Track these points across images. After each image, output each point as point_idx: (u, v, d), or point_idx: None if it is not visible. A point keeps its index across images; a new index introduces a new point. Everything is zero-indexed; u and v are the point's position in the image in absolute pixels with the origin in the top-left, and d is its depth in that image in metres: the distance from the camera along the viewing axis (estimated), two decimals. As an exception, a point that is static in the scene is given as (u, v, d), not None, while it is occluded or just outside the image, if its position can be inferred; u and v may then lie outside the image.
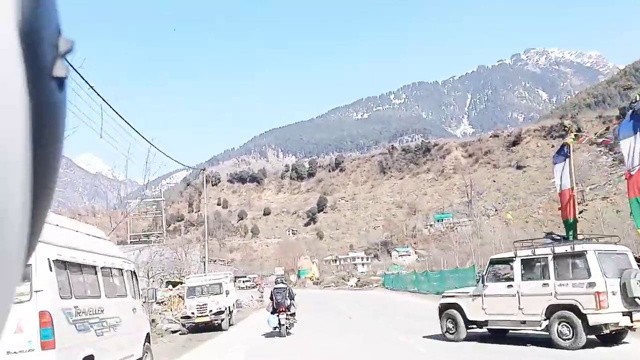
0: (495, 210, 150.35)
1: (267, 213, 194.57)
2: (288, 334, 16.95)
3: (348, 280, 51.95)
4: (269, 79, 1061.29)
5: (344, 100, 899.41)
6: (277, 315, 16.70)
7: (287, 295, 17.31)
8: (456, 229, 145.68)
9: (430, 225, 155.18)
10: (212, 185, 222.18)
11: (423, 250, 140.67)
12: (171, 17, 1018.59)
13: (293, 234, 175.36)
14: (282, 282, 18.66)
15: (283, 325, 16.55)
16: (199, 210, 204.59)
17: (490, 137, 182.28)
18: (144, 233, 43.29)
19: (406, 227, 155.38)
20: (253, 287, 70.17)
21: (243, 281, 74.36)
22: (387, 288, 47.44)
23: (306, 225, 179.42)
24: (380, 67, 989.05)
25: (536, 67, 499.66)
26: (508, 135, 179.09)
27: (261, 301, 34.91)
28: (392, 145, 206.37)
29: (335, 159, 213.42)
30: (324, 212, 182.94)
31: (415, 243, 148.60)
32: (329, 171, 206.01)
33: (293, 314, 17.61)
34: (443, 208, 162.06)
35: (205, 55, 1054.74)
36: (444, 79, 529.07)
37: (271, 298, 17.74)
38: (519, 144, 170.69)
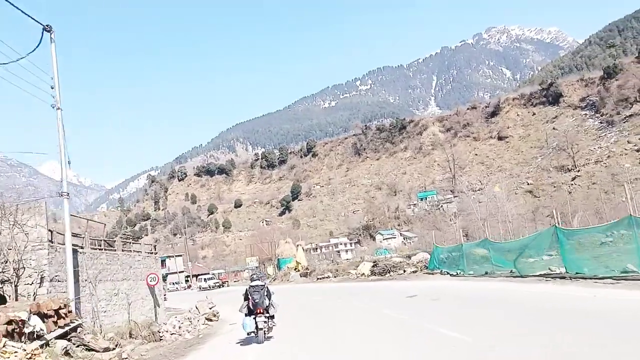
0: (481, 184, 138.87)
1: (238, 205, 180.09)
2: (267, 338, 12.77)
3: (357, 267, 37.18)
4: (232, 74, 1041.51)
5: (310, 89, 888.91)
6: (254, 318, 12.58)
7: (265, 294, 12.92)
8: (442, 206, 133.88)
9: (414, 204, 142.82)
10: (179, 181, 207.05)
11: (408, 231, 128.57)
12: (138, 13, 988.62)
13: (267, 224, 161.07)
14: (259, 279, 13.51)
15: (261, 329, 12.58)
16: (165, 208, 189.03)
17: (468, 109, 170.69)
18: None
19: (388, 209, 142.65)
20: (219, 286, 57.30)
21: (205, 279, 59.09)
22: (437, 272, 29.32)
23: (281, 214, 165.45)
24: (344, 54, 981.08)
25: (498, 45, 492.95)
26: (486, 106, 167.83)
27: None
28: (366, 125, 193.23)
29: (307, 143, 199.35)
30: (299, 200, 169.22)
31: (399, 225, 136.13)
32: (301, 157, 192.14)
33: (272, 317, 13.10)
34: (425, 186, 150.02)
35: (166, 54, 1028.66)
36: (409, 62, 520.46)
37: (246, 298, 13.10)
38: (498, 115, 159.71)
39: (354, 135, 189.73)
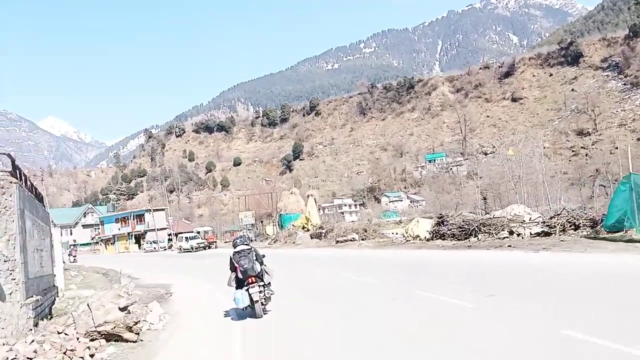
0: (493, 147, 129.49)
1: (237, 164, 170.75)
2: (265, 312, 9.84)
3: (406, 226, 27.13)
4: (235, 34, 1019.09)
5: (314, 51, 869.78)
6: (247, 289, 9.63)
7: (255, 257, 9.86)
8: (451, 169, 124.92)
9: (422, 166, 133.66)
10: (177, 137, 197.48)
11: (416, 194, 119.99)
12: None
13: (267, 183, 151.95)
14: (244, 243, 10.18)
15: (257, 301, 9.64)
16: (162, 165, 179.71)
17: (480, 69, 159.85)
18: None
19: (394, 171, 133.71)
20: (205, 248, 46.08)
21: (186, 238, 47.07)
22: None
23: (281, 174, 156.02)
24: (348, 16, 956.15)
25: (506, 10, 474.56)
26: (499, 67, 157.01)
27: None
28: (372, 84, 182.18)
29: (310, 102, 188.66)
30: (301, 160, 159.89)
31: (405, 187, 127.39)
32: (304, 115, 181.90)
33: (268, 285, 9.97)
34: (433, 148, 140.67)
35: (169, 12, 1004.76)
36: (414, 25, 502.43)
37: (233, 268, 10.03)
38: (512, 75, 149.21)
39: (359, 94, 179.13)
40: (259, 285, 9.57)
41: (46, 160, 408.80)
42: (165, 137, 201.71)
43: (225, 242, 56.43)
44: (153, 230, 65.05)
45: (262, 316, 9.52)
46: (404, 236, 25.69)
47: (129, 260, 42.31)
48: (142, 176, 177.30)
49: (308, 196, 44.39)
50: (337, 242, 27.87)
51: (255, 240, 46.06)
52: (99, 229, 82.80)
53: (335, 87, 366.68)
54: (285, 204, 49.32)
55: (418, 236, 24.22)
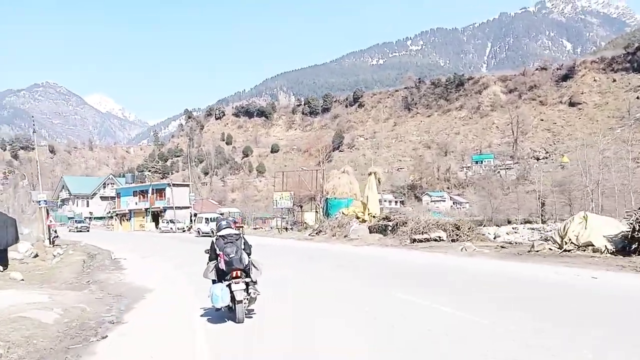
0: (546, 153, 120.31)
1: (275, 150, 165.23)
2: (248, 316, 7.63)
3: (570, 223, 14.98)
4: (281, 23, 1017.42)
5: (360, 45, 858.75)
6: (228, 285, 7.43)
7: (243, 247, 7.72)
8: (499, 172, 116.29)
9: (467, 167, 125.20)
10: (216, 119, 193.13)
11: (459, 196, 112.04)
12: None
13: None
14: (230, 226, 8.08)
15: (240, 301, 7.40)
16: (199, 146, 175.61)
17: (537, 70, 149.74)
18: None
19: (438, 169, 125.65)
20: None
21: (206, 220, 39.91)
22: None
23: (319, 164, 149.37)
24: (397, 12, 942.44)
25: (561, 15, 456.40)
26: (558, 68, 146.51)
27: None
28: (419, 79, 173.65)
29: (354, 93, 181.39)
30: (340, 151, 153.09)
31: (448, 188, 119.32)
32: (346, 107, 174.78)
33: (254, 282, 7.73)
34: (481, 149, 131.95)
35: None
36: (464, 25, 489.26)
37: (214, 256, 7.83)
38: (571, 78, 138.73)
39: (405, 88, 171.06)
40: (245, 282, 7.44)
41: (91, 134, 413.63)
42: (205, 119, 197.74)
43: (255, 229, 49.84)
44: (177, 208, 57.09)
45: (243, 320, 7.32)
46: (554, 242, 15.66)
47: (136, 240, 37.40)
48: (179, 156, 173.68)
49: (371, 174, 32.75)
50: (414, 240, 19.44)
51: (293, 229, 39.21)
52: (115, 201, 75.74)
53: (378, 82, 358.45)
54: (334, 186, 38.76)
55: (591, 245, 14.46)
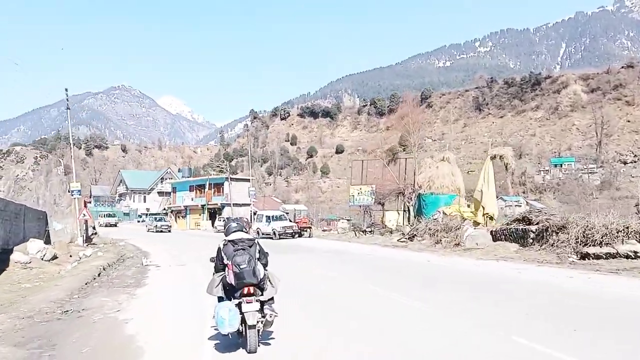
0: (635, 156, 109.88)
1: (339, 151, 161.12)
2: (263, 342, 6.09)
3: None
4: (348, 25, 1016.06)
5: (426, 47, 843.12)
6: (238, 304, 5.82)
7: (257, 255, 6.11)
8: (581, 177, 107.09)
9: (545, 170, 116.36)
10: (281, 120, 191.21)
11: (536, 201, 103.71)
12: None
13: (369, 176, 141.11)
14: (242, 229, 6.41)
15: (252, 326, 5.75)
16: (264, 146, 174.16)
17: (622, 68, 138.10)
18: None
19: (513, 173, 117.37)
20: (293, 235, 33.04)
21: (268, 218, 34.82)
22: None
23: (385, 166, 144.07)
24: (465, 13, 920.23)
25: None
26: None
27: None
28: (492, 78, 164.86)
29: (422, 93, 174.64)
30: (407, 153, 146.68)
31: (524, 192, 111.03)
32: (414, 107, 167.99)
33: (269, 300, 6.03)
34: (559, 152, 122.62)
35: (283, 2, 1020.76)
36: (536, 25, 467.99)
37: (220, 266, 6.11)
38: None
39: (476, 88, 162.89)
40: (259, 301, 5.80)
41: (162, 135, 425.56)
42: (270, 119, 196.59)
43: (324, 231, 44.54)
44: (235, 205, 51.79)
45: (256, 350, 5.70)
46: None
47: (185, 241, 33.48)
48: (243, 156, 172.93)
49: (495, 157, 26.12)
50: (586, 256, 12.61)
51: (373, 231, 32.09)
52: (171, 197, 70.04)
53: (445, 84, 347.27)
54: (430, 178, 30.31)
55: None
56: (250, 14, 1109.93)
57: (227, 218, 7.82)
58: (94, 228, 29.24)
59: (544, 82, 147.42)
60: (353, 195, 37.23)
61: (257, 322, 5.75)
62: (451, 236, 20.29)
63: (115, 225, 57.28)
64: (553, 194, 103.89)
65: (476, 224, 22.54)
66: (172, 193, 68.22)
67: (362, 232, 33.02)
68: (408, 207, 33.37)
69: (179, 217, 63.26)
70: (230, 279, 5.79)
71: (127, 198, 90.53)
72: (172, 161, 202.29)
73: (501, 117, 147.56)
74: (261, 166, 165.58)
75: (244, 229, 6.40)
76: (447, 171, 31.15)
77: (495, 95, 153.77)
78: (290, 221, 37.16)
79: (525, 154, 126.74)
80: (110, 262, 16.77)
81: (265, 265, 6.15)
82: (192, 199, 60.90)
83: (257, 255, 6.01)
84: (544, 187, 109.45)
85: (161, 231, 46.41)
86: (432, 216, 25.26)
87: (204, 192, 59.16)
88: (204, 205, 58.13)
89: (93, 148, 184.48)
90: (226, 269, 5.92)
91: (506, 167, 28.18)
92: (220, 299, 5.99)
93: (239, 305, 5.73)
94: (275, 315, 5.99)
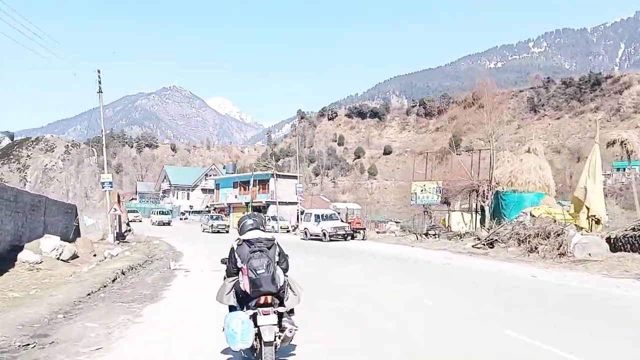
0: None
1: (387, 152, 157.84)
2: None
3: None
4: (396, 26, 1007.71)
5: (476, 48, 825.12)
6: (252, 316, 4.88)
7: (277, 258, 5.20)
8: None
9: (607, 175, 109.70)
10: (328, 120, 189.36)
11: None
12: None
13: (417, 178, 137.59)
14: (259, 227, 5.50)
15: (269, 342, 4.82)
16: (311, 146, 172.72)
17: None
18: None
19: (571, 177, 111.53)
20: (345, 237, 30.15)
21: (317, 217, 32.01)
22: None
23: (435, 168, 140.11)
24: (518, 13, 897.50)
25: None
26: None
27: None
28: (548, 78, 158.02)
29: (473, 94, 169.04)
30: (458, 154, 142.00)
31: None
32: (464, 108, 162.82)
33: (289, 312, 5.21)
34: (621, 155, 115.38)
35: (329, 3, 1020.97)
36: (594, 25, 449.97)
37: (233, 269, 5.24)
38: None
39: (531, 88, 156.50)
40: (277, 313, 4.96)
41: (210, 135, 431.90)
42: (317, 120, 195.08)
43: (378, 233, 40.60)
44: (281, 203, 48.67)
45: None
46: None
47: (228, 240, 29.73)
48: (291, 155, 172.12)
49: (614, 143, 23.62)
50: None
51: (437, 235, 28.46)
52: (214, 194, 66.55)
53: (497, 86, 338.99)
54: (512, 173, 26.33)
55: None
56: (298, 16, 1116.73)
57: (245, 216, 5.93)
58: (127, 224, 27.67)
59: (604, 83, 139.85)
60: (415, 193, 33.12)
61: (275, 337, 4.87)
62: (551, 244, 17.07)
63: (169, 224, 53.02)
64: (615, 199, 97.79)
65: (579, 228, 19.29)
66: (215, 190, 65.45)
67: (424, 235, 29.92)
68: (482, 208, 29.55)
69: (222, 214, 58.74)
70: (245, 286, 4.95)
71: (170, 194, 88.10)
72: (220, 160, 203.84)
73: (558, 118, 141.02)
74: (308, 166, 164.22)
75: (261, 227, 5.51)
76: (533, 165, 27.32)
77: (552, 96, 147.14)
78: (342, 221, 33.90)
79: (585, 157, 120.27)
80: (135, 264, 14.89)
81: (285, 270, 5.31)
82: (236, 196, 57.91)
83: (277, 258, 5.17)
84: (606, 192, 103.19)
85: (218, 231, 43.06)
86: (516, 218, 22.14)
87: (248, 189, 56.27)
88: (248, 203, 55.12)
89: (144, 147, 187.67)
90: (240, 273, 5.09)
91: (629, 155, 24.76)
92: (231, 309, 5.17)
93: (253, 317, 4.86)
94: (295, 329, 5.10)
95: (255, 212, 6.47)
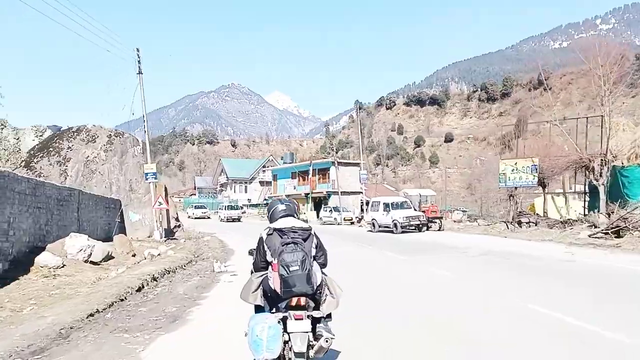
0: None
1: (449, 140, 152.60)
2: None
3: None
4: (453, 10, 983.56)
5: (539, 29, 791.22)
6: (281, 319, 4.07)
7: (313, 252, 4.34)
8: None
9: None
10: (387, 109, 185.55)
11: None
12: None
13: (482, 164, 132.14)
14: (293, 213, 4.63)
15: (301, 354, 4.00)
16: (370, 136, 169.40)
17: None
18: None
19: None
20: (420, 227, 26.89)
21: (387, 206, 28.49)
22: None
23: (499, 153, 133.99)
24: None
25: None
26: None
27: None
28: (622, 55, 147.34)
29: (539, 75, 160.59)
30: (524, 139, 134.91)
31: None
32: (529, 90, 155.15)
33: (326, 318, 4.32)
34: None
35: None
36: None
37: (261, 263, 4.41)
38: None
39: (602, 66, 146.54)
40: (311, 317, 4.19)
41: (269, 130, 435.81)
42: (375, 109, 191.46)
43: (455, 222, 35.65)
44: (343, 193, 44.62)
45: None
46: None
47: None
48: (349, 147, 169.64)
49: None
50: None
51: (531, 224, 24.81)
52: (272, 186, 62.83)
53: (562, 67, 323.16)
54: (636, 143, 22.38)
55: None
56: (352, 10, 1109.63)
57: (274, 201, 4.74)
58: (176, 219, 25.88)
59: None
60: (504, 174, 28.28)
61: (308, 347, 4.07)
62: None
63: (239, 220, 49.58)
64: None
65: None
66: (272, 181, 62.17)
67: (517, 224, 25.85)
68: (592, 188, 24.62)
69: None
70: (275, 284, 4.18)
71: (228, 188, 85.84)
72: (279, 155, 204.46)
73: (633, 96, 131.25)
74: (367, 157, 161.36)
75: (295, 214, 4.64)
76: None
77: (627, 73, 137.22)
78: (415, 209, 29.87)
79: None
80: (175, 266, 12.74)
81: (323, 266, 4.51)
82: (295, 187, 54.64)
83: (314, 252, 4.36)
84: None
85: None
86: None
87: (307, 179, 52.50)
88: (308, 193, 51.74)
89: (205, 144, 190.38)
90: (269, 268, 4.31)
91: None
92: (258, 309, 4.44)
93: (283, 321, 4.08)
94: (332, 339, 4.18)
95: (286, 198, 5.07)
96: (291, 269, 4.07)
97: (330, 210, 41.78)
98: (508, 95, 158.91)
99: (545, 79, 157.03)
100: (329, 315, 4.42)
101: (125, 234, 19.20)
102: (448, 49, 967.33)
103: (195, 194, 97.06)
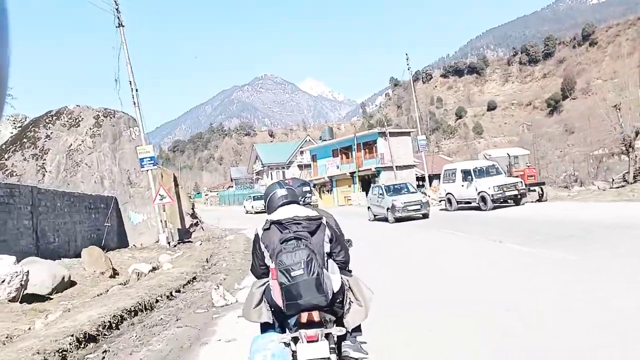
0: None
1: (492, 108, 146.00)
2: None
3: None
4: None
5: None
6: (290, 342, 2.96)
7: (326, 248, 3.10)
8: None
9: None
10: (423, 83, 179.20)
11: None
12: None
13: (529, 130, 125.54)
14: (296, 199, 3.46)
15: None
16: (408, 112, 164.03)
17: None
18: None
19: None
20: (517, 199, 20.36)
21: (467, 173, 21.85)
22: None
23: (547, 116, 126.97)
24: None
25: None
26: None
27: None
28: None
29: (583, 30, 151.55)
30: (573, 99, 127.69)
31: None
32: (574, 47, 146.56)
33: (352, 334, 3.23)
34: None
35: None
36: None
37: (261, 268, 3.29)
38: None
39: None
40: (327, 336, 2.98)
41: (306, 117, 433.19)
42: (410, 85, 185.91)
43: (559, 187, 28.49)
44: (390, 168, 39.21)
45: None
46: None
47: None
48: (388, 125, 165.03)
49: None
50: None
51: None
52: (312, 168, 55.97)
53: (602, 22, 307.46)
54: None
55: None
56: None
57: (272, 184, 3.54)
58: (193, 216, 21.61)
59: None
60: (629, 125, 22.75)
61: None
62: None
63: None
64: None
65: None
66: (312, 162, 55.24)
67: (623, 185, 20.85)
68: None
69: (323, 191, 50.64)
70: (276, 296, 3.06)
71: (264, 175, 79.68)
72: (315, 138, 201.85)
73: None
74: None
75: (300, 200, 3.55)
76: None
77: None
78: (507, 175, 22.20)
79: None
80: (155, 296, 8.02)
81: (344, 265, 3.33)
82: (338, 167, 47.64)
83: (327, 248, 3.14)
84: None
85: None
86: None
87: (352, 156, 45.88)
88: (354, 173, 44.97)
89: (243, 136, 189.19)
90: (269, 274, 3.18)
91: None
92: (265, 327, 3.30)
93: (289, 344, 3.00)
94: (365, 358, 3.22)
95: (287, 179, 3.77)
96: (293, 274, 2.87)
97: (381, 189, 25.20)
98: (551, 55, 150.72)
99: (590, 34, 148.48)
100: (358, 327, 3.27)
101: (126, 241, 15.91)
102: (480, 17, 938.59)
103: (232, 186, 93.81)
